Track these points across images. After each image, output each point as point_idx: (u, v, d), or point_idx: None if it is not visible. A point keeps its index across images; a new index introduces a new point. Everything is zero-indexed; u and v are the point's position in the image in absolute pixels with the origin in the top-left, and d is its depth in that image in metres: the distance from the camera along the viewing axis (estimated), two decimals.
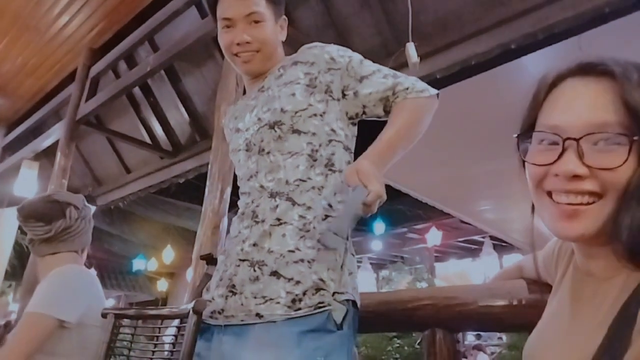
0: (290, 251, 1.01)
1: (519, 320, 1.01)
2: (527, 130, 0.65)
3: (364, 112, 1.16)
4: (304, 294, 0.97)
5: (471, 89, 3.26)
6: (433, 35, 2.87)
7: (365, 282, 10.56)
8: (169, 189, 5.29)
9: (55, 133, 4.68)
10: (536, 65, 2.85)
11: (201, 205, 2.40)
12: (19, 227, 5.21)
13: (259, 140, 1.14)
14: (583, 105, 0.59)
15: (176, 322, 1.53)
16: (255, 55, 1.19)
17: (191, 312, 1.43)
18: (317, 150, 1.10)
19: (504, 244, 9.00)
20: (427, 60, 2.75)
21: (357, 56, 1.19)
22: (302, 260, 1.00)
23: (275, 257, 1.02)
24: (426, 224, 8.58)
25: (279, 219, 1.05)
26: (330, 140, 1.12)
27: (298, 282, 0.98)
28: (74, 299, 1.51)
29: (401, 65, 2.79)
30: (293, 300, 0.97)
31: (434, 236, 8.59)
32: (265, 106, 1.16)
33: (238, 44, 1.17)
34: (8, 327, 2.64)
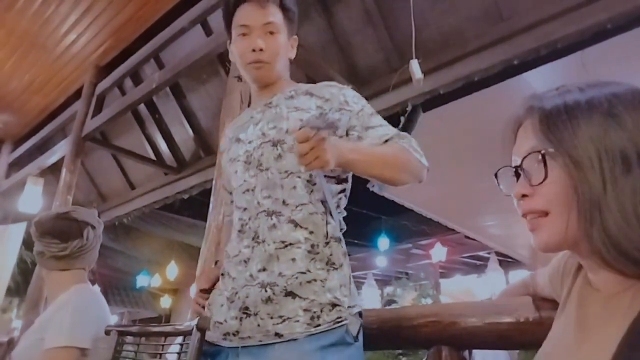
0: (302, 273, 1.03)
1: (525, 337, 1.00)
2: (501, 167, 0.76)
3: None
4: (321, 310, 1.00)
5: (475, 105, 3.27)
6: (436, 52, 2.89)
7: (370, 299, 10.47)
8: (173, 205, 5.30)
9: (61, 149, 4.71)
10: (539, 81, 2.87)
11: (205, 221, 2.40)
12: (23, 243, 5.22)
13: (260, 154, 1.15)
14: (521, 137, 0.71)
15: (179, 339, 1.52)
16: (266, 66, 1.22)
17: (195, 329, 1.42)
18: (314, 176, 1.11)
19: (509, 259, 8.93)
20: (430, 76, 2.76)
21: (369, 108, 1.21)
22: (315, 280, 1.02)
23: (287, 279, 1.02)
24: (431, 239, 8.54)
25: (283, 242, 1.05)
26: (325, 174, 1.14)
27: (314, 300, 1.01)
28: (89, 324, 1.50)
29: (405, 81, 2.81)
30: (312, 317, 0.99)
31: (438, 252, 8.54)
32: (272, 123, 1.17)
33: (253, 50, 1.19)
34: (11, 344, 2.62)
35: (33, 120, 5.66)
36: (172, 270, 8.80)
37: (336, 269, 1.05)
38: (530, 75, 2.81)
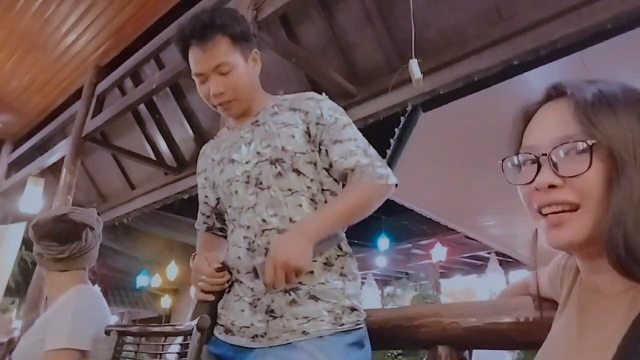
0: (321, 283, 1.09)
1: (525, 337, 1.00)
2: (509, 155, 0.71)
3: (330, 167, 1.19)
4: (343, 312, 1.08)
5: (475, 105, 3.27)
6: (436, 52, 2.89)
7: (370, 299, 10.48)
8: (173, 205, 5.30)
9: (61, 150, 4.71)
10: (539, 80, 2.87)
11: None
12: (23, 243, 5.22)
13: (258, 173, 1.17)
14: (549, 124, 0.66)
15: (180, 339, 1.52)
16: (232, 103, 1.23)
17: (195, 329, 1.42)
18: (315, 195, 1.16)
19: (509, 259, 8.94)
20: (430, 76, 2.76)
21: (343, 120, 1.21)
22: (334, 289, 1.09)
23: (308, 288, 1.08)
24: (431, 239, 8.54)
25: None
26: (323, 190, 1.18)
27: (335, 303, 1.08)
28: (89, 326, 1.50)
29: (405, 81, 2.81)
30: (335, 318, 1.06)
31: (438, 252, 8.54)
32: (265, 141, 1.19)
33: (214, 95, 1.21)
34: (11, 344, 2.62)
35: (33, 121, 5.67)
36: (172, 270, 8.81)
37: (350, 280, 1.13)
38: (530, 75, 2.81)
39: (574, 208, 0.61)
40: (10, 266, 5.13)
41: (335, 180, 1.21)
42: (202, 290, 1.17)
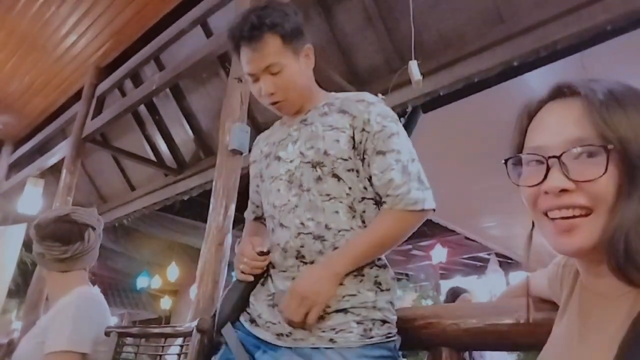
0: (352, 295, 1.06)
1: (525, 338, 0.99)
2: (514, 155, 0.68)
3: (370, 177, 1.15)
4: (373, 324, 1.04)
5: (474, 106, 3.27)
6: (436, 53, 2.89)
7: None
8: (173, 206, 5.30)
9: (61, 151, 4.71)
10: (539, 82, 2.87)
11: (205, 222, 2.40)
12: (23, 245, 5.22)
13: (300, 174, 1.15)
14: (559, 124, 0.63)
15: (179, 340, 1.52)
16: (283, 103, 1.21)
17: (195, 330, 1.42)
18: (354, 203, 1.12)
19: (509, 261, 8.93)
20: (430, 78, 2.77)
21: (391, 128, 1.14)
22: (365, 302, 1.06)
23: (338, 299, 1.05)
24: (431, 240, 8.53)
25: None
26: (363, 198, 1.13)
27: (366, 316, 1.04)
28: (90, 329, 1.50)
29: (404, 83, 2.82)
30: (364, 330, 1.03)
31: (439, 253, 8.52)
32: (309, 142, 1.17)
33: (266, 96, 1.20)
34: (11, 345, 2.62)
35: (33, 122, 5.67)
36: (173, 271, 8.80)
37: (383, 291, 1.09)
38: (530, 76, 2.81)
39: (586, 213, 0.59)
40: (12, 268, 5.12)
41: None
42: (243, 272, 1.16)
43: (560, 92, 0.65)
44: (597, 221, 0.58)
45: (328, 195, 1.11)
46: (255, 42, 1.15)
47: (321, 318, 1.03)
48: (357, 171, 1.13)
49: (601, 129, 0.58)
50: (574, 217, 0.59)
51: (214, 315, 1.18)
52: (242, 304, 1.17)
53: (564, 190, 0.59)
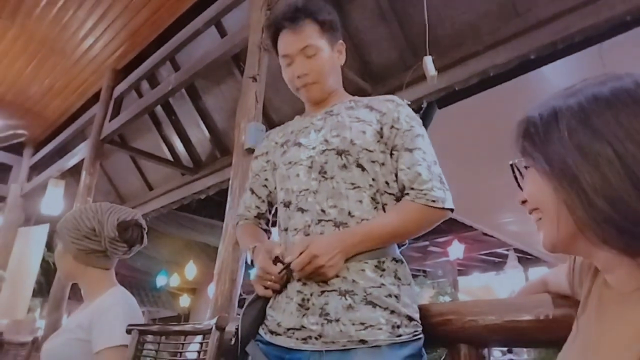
0: (376, 287, 1.06)
1: (545, 335, 0.99)
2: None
3: (397, 174, 1.17)
4: (401, 322, 1.04)
5: (491, 101, 3.23)
6: (450, 48, 2.87)
7: None
8: (190, 205, 5.34)
9: (81, 152, 4.79)
10: (557, 74, 2.82)
11: (222, 221, 2.42)
12: (46, 245, 5.32)
13: (324, 161, 1.16)
14: None
15: (199, 337, 1.54)
16: (313, 86, 1.26)
17: (214, 328, 1.44)
18: (377, 195, 1.14)
19: (529, 256, 8.82)
20: (445, 73, 2.75)
21: (418, 130, 1.20)
22: (390, 296, 1.06)
23: (364, 287, 1.06)
24: (448, 237, 8.46)
25: (353, 255, 1.08)
26: (385, 192, 1.16)
27: (393, 312, 1.04)
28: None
29: (419, 79, 2.80)
30: (393, 327, 1.03)
31: (456, 249, 8.46)
32: (335, 131, 1.20)
33: (298, 77, 1.25)
34: (36, 343, 2.68)
35: (53, 124, 5.78)
36: (191, 270, 8.89)
37: (404, 285, 1.10)
38: (547, 69, 2.77)
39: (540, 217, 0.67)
40: (37, 267, 5.25)
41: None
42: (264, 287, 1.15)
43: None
44: (546, 220, 0.66)
45: (353, 184, 1.13)
46: (297, 23, 1.24)
47: (350, 308, 1.03)
48: (382, 164, 1.16)
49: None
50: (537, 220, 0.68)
51: (236, 332, 1.15)
52: (262, 318, 1.17)
53: (524, 201, 0.70)
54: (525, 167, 0.68)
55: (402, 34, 3.06)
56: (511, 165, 0.70)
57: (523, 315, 1.03)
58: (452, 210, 1.13)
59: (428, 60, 2.45)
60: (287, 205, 1.20)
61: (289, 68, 1.27)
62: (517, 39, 2.59)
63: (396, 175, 1.17)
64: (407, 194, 1.13)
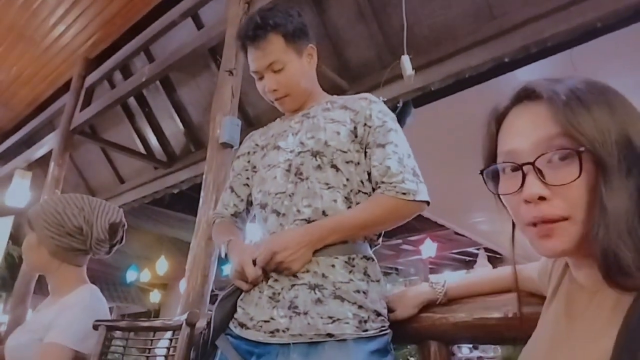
0: (344, 282, 1.07)
1: (513, 332, 1.00)
2: (489, 164, 0.69)
3: (370, 173, 1.18)
4: (368, 317, 1.05)
5: (465, 101, 3.28)
6: (427, 48, 2.90)
7: None
8: (163, 199, 5.27)
9: (49, 143, 4.66)
10: (529, 78, 2.88)
11: (195, 216, 2.39)
12: (10, 237, 5.16)
13: (299, 163, 1.18)
14: (527, 128, 0.63)
15: (169, 334, 1.52)
16: (285, 99, 1.28)
17: (184, 324, 1.42)
18: (350, 195, 1.15)
19: (498, 255, 9.01)
20: (421, 73, 2.77)
21: (390, 125, 1.20)
22: (358, 291, 1.07)
23: (333, 282, 1.06)
24: (421, 235, 8.57)
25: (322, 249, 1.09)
26: (359, 191, 1.17)
27: (361, 307, 1.05)
28: (92, 330, 1.47)
29: (396, 77, 2.82)
30: (360, 322, 1.04)
31: (428, 248, 8.57)
32: (310, 133, 1.21)
33: (269, 92, 1.27)
34: None
35: (21, 113, 5.60)
36: (162, 265, 8.76)
37: (373, 282, 1.11)
38: (521, 72, 2.82)
39: (562, 219, 0.60)
40: None
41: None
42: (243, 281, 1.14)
43: (524, 96, 0.66)
44: (573, 227, 0.59)
45: (327, 184, 1.14)
46: (259, 41, 1.23)
47: (319, 302, 1.04)
48: (356, 164, 1.17)
49: (568, 131, 0.58)
50: (552, 222, 0.60)
51: (208, 325, 1.15)
52: (233, 311, 1.16)
53: (542, 198, 0.59)
54: (579, 155, 0.57)
55: (380, 33, 3.08)
56: (556, 150, 0.59)
57: (492, 313, 1.04)
58: (427, 202, 1.14)
59: (405, 60, 2.47)
60: (263, 207, 1.21)
61: (260, 82, 1.28)
62: (492, 42, 2.64)
63: (369, 174, 1.18)
64: (379, 187, 1.14)
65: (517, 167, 0.62)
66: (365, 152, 1.19)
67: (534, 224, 0.61)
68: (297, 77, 1.26)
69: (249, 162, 1.34)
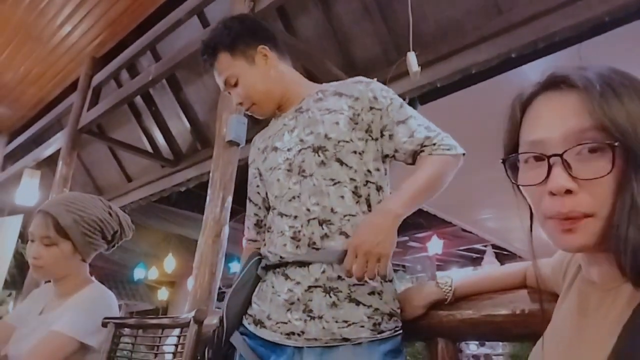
0: (359, 284, 1.06)
1: (521, 329, 1.00)
2: (512, 152, 0.66)
3: (394, 156, 1.19)
4: (382, 319, 1.06)
5: (472, 98, 3.26)
6: (434, 44, 2.88)
7: None
8: (170, 197, 5.29)
9: (57, 142, 4.69)
10: (537, 73, 2.85)
11: (202, 213, 2.40)
12: (19, 236, 5.20)
13: (301, 161, 1.15)
14: (558, 117, 0.60)
15: (177, 331, 1.53)
16: (253, 108, 1.28)
17: (192, 321, 1.42)
18: (358, 188, 1.13)
19: (505, 252, 8.97)
20: (428, 69, 2.76)
21: (398, 100, 1.21)
22: (373, 293, 1.07)
23: (348, 284, 1.06)
24: (427, 232, 8.54)
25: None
26: (367, 182, 1.15)
27: (376, 309, 1.06)
28: (99, 328, 1.48)
29: (402, 74, 2.81)
30: (374, 324, 1.04)
31: (435, 245, 8.55)
32: (308, 128, 1.18)
33: (238, 105, 1.30)
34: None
35: (29, 113, 5.63)
36: (170, 262, 8.81)
37: (387, 281, 1.10)
38: (528, 67, 2.80)
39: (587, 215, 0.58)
40: (8, 258, 5.13)
41: (385, 174, 1.20)
42: None
43: (554, 83, 0.62)
44: (598, 223, 0.57)
45: (332, 179, 1.12)
46: (212, 63, 1.28)
47: (334, 305, 1.04)
48: (360, 153, 1.15)
49: (602, 123, 0.55)
50: (577, 219, 0.58)
51: (221, 322, 1.15)
52: (246, 307, 1.17)
53: (568, 191, 0.57)
54: (613, 149, 0.55)
55: (386, 29, 3.07)
56: (586, 143, 0.56)
57: (500, 309, 1.04)
58: (463, 154, 1.17)
59: (411, 56, 2.46)
60: (273, 210, 1.21)
61: (231, 97, 1.31)
62: (499, 37, 2.62)
63: (384, 158, 1.18)
64: (422, 151, 1.14)
65: (543, 158, 0.59)
66: (382, 134, 1.17)
67: (557, 218, 0.59)
68: (254, 85, 1.25)
69: (256, 169, 1.32)
